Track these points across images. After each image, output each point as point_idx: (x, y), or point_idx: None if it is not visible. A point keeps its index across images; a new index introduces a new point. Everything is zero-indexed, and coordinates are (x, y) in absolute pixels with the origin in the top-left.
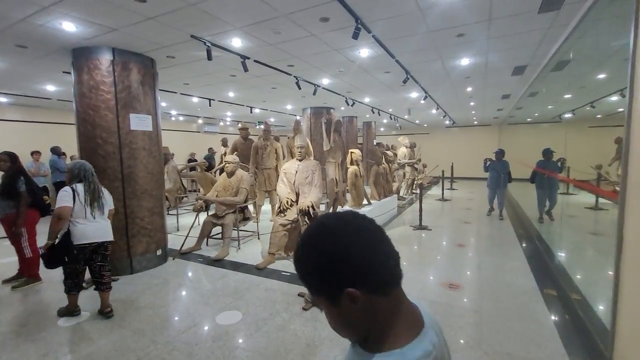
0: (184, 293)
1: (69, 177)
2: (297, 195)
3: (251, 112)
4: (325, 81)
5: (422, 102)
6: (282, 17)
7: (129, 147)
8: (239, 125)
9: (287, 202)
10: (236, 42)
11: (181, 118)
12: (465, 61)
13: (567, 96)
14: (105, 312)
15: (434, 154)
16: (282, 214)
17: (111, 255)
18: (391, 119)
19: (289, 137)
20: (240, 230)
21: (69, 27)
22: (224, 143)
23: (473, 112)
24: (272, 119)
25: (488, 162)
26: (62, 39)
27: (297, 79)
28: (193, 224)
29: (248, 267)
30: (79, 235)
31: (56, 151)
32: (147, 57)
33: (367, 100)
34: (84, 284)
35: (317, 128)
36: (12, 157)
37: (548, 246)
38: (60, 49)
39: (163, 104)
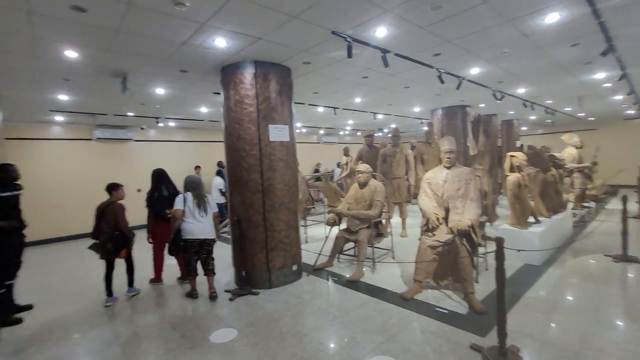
0: (324, 321)
1: (184, 187)
2: (446, 210)
3: (374, 118)
4: (474, 71)
5: (608, 85)
6: None
7: (269, 158)
8: (364, 131)
9: (437, 219)
10: (380, 32)
11: (304, 130)
12: None
13: None
14: (210, 294)
15: (606, 154)
16: (430, 234)
17: (252, 268)
18: (546, 113)
19: (417, 143)
20: (375, 248)
21: (220, 43)
22: (346, 152)
23: None
24: (393, 125)
25: None
26: (213, 58)
27: (439, 71)
28: (326, 239)
29: (390, 295)
30: (188, 231)
31: (221, 164)
32: (284, 66)
33: (520, 91)
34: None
35: (449, 131)
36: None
37: None
38: (212, 70)
39: None
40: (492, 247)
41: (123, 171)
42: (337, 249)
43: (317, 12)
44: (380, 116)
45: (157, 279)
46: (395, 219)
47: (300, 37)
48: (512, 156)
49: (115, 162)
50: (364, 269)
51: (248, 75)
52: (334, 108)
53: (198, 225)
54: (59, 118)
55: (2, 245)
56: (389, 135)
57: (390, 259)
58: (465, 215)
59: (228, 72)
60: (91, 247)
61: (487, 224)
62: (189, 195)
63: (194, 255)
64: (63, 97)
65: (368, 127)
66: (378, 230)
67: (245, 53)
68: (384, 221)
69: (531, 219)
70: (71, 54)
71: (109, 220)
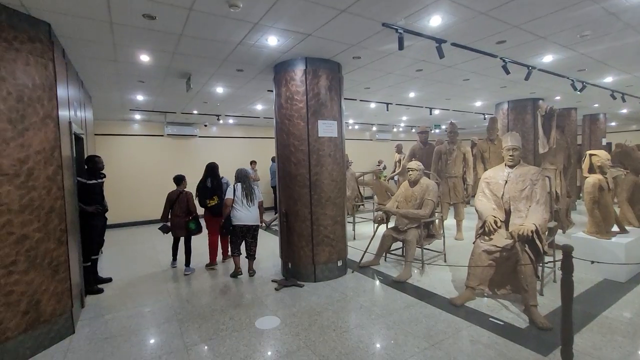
0: (366, 319)
1: (235, 179)
2: (507, 213)
3: (430, 113)
4: (547, 59)
5: None
6: None
7: (317, 154)
8: (418, 128)
9: (495, 222)
10: (435, 21)
11: (357, 127)
12: None
13: None
14: (249, 272)
15: None
16: (487, 237)
17: (298, 261)
18: None
19: (479, 140)
20: (425, 249)
21: (272, 41)
22: (399, 149)
23: None
24: (450, 121)
25: None
26: (266, 56)
27: (504, 61)
28: (373, 236)
29: (438, 300)
30: (236, 217)
31: (274, 160)
32: (334, 62)
33: (607, 80)
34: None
35: (517, 126)
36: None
37: None
38: (266, 68)
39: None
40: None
41: (188, 164)
42: (384, 248)
43: (366, 3)
44: (436, 112)
45: (212, 262)
46: (451, 221)
47: (350, 31)
48: (592, 155)
49: (182, 155)
50: (412, 271)
51: (298, 72)
52: (387, 104)
53: (246, 213)
54: (137, 116)
55: (88, 226)
56: (446, 131)
57: (441, 262)
58: (529, 219)
59: (280, 69)
60: (160, 228)
61: (559, 230)
62: (239, 186)
63: (241, 239)
64: (140, 98)
65: (423, 124)
66: (429, 231)
67: (295, 50)
68: (436, 222)
69: (616, 228)
70: (145, 57)
71: (183, 205)
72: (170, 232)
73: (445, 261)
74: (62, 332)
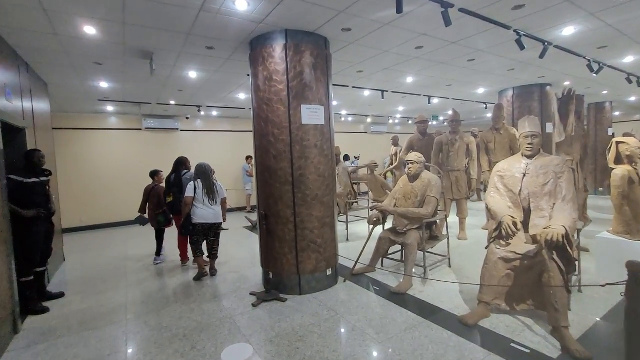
0: (360, 346)
1: (194, 175)
2: (525, 212)
3: (429, 102)
4: (567, 31)
5: None
6: None
7: (300, 144)
8: (416, 117)
9: (512, 223)
10: None
11: (350, 119)
12: None
13: None
14: (211, 272)
15: None
16: (503, 242)
17: (280, 270)
18: None
19: (479, 132)
20: (428, 253)
21: (241, 5)
22: (395, 142)
23: None
24: (449, 113)
25: None
26: (238, 29)
27: (518, 34)
28: (368, 239)
29: (446, 318)
30: (198, 216)
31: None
32: (319, 35)
33: (627, 60)
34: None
35: (522, 115)
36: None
37: None
38: (240, 45)
39: (334, 103)
40: (587, 260)
41: (170, 160)
42: (381, 253)
43: None
44: (435, 100)
45: (183, 259)
46: (452, 218)
47: None
48: (619, 143)
49: (163, 151)
50: (412, 279)
51: (277, 47)
52: (382, 91)
53: (207, 210)
54: (110, 108)
55: (28, 232)
56: (446, 122)
57: (445, 267)
58: (555, 220)
59: (256, 45)
60: (136, 220)
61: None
62: (199, 182)
63: (202, 237)
64: (103, 85)
65: (421, 114)
66: (431, 232)
67: (272, 19)
68: (438, 221)
69: None
70: (89, 29)
71: (154, 199)
72: (148, 224)
73: (449, 266)
74: None
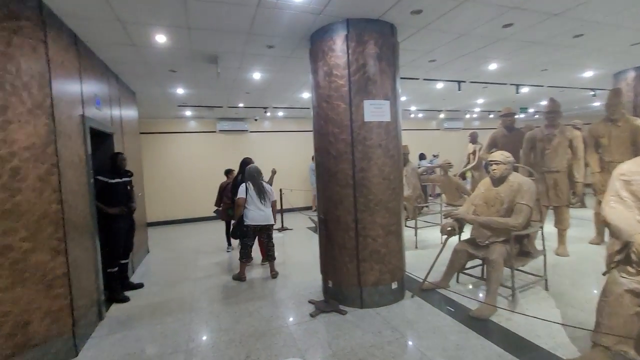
0: None
1: (245, 177)
2: None
3: (517, 92)
4: None
5: None
6: None
7: (362, 144)
8: (502, 110)
9: None
10: None
11: (420, 114)
12: None
13: None
14: (272, 274)
15: None
16: (631, 269)
17: (340, 280)
18: None
19: (583, 125)
20: (518, 271)
21: None
22: (473, 139)
23: None
24: (545, 103)
25: None
26: (296, 23)
27: None
28: (441, 250)
29: (544, 358)
30: (249, 218)
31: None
32: (385, 22)
33: None
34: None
35: None
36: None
37: None
38: (300, 42)
39: (402, 98)
40: None
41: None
42: (456, 267)
43: None
44: (525, 89)
45: (263, 258)
46: (549, 228)
47: None
48: None
49: (235, 151)
50: (497, 302)
51: (338, 39)
52: (458, 82)
53: (259, 212)
54: (188, 113)
55: (111, 228)
56: (537, 115)
57: (541, 290)
58: None
59: (316, 39)
60: (215, 212)
61: None
62: (250, 185)
63: (253, 239)
64: (180, 91)
65: (506, 107)
66: (522, 246)
67: (332, 9)
68: (531, 234)
69: None
70: (161, 37)
71: (227, 194)
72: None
73: (546, 289)
74: (59, 357)
